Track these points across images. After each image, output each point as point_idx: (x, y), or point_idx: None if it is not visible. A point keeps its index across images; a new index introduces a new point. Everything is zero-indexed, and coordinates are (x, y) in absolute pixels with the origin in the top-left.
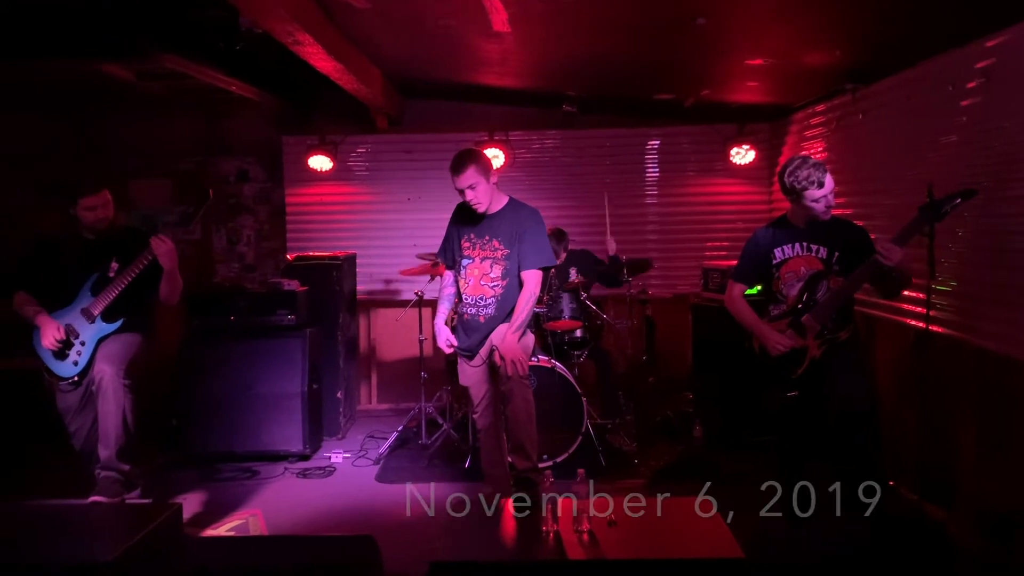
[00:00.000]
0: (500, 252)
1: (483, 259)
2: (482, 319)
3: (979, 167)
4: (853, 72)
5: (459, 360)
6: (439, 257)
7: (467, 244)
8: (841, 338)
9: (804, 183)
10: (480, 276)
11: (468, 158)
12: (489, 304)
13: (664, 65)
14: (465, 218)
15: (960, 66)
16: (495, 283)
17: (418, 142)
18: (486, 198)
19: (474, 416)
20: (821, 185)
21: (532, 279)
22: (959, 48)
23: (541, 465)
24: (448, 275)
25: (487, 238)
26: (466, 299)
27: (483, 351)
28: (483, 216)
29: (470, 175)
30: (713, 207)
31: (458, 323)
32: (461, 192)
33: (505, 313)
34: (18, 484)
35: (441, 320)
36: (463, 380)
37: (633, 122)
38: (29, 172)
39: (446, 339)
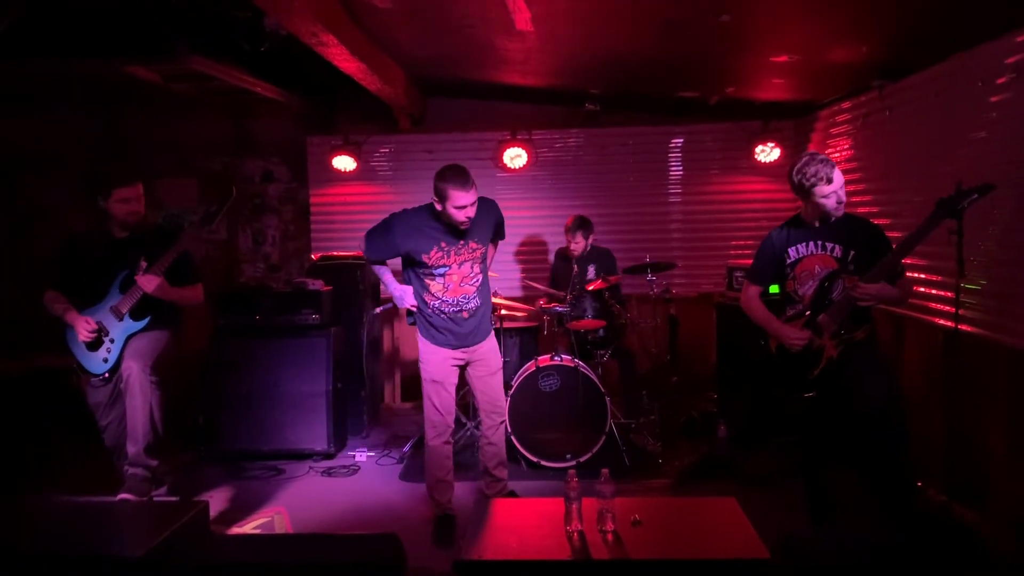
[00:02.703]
0: (478, 251)
1: (462, 263)
2: (465, 315)
3: (1009, 164)
4: (880, 68)
5: (435, 354)
6: (369, 255)
7: (439, 254)
8: (858, 337)
9: (812, 180)
10: (461, 279)
11: (470, 175)
12: (473, 298)
13: (688, 63)
14: (427, 229)
15: (989, 61)
16: (475, 279)
17: (440, 142)
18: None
19: (443, 417)
20: (830, 181)
21: (493, 248)
22: (988, 43)
23: (565, 464)
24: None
25: (462, 243)
26: (447, 301)
27: (467, 352)
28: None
29: (475, 192)
30: (738, 205)
31: (437, 324)
32: (460, 208)
33: (485, 298)
34: (50, 479)
35: (396, 283)
36: (440, 372)
37: (657, 120)
38: (62, 170)
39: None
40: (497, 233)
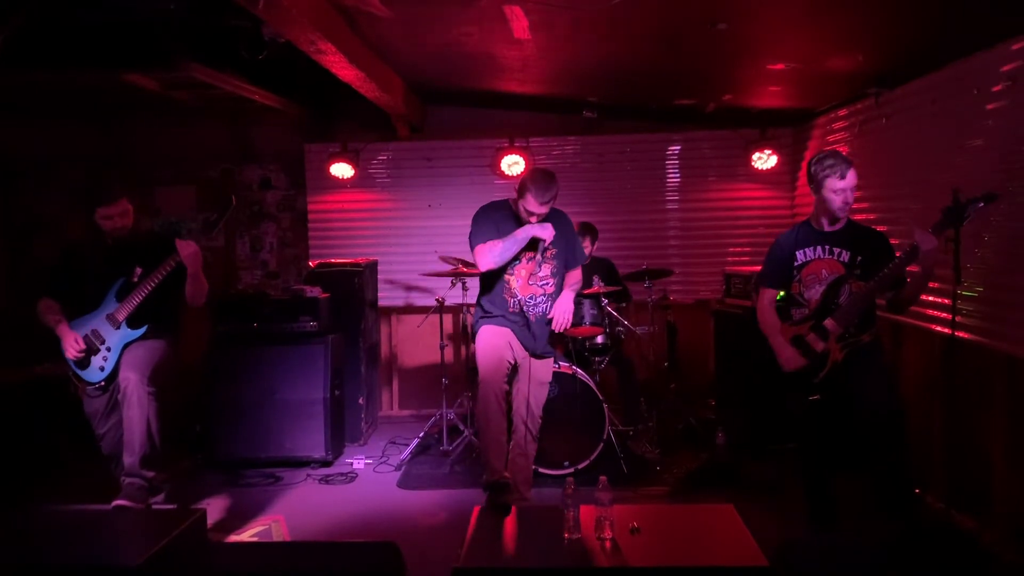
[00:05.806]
0: (549, 252)
1: (530, 259)
2: (532, 318)
3: (1005, 171)
4: (876, 76)
5: (495, 328)
6: (479, 239)
7: None
8: (863, 340)
9: (827, 171)
10: (528, 275)
11: (553, 189)
12: (540, 303)
13: (685, 71)
14: (504, 219)
15: (985, 69)
16: (545, 281)
17: (438, 149)
18: None
19: (498, 378)
20: (843, 177)
21: (578, 271)
22: (984, 51)
23: (563, 472)
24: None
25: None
26: (520, 299)
27: (524, 353)
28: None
29: (547, 208)
30: (735, 212)
31: (504, 318)
32: (529, 214)
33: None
34: (49, 487)
35: (520, 229)
36: (498, 337)
37: (654, 127)
38: (61, 178)
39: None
40: (570, 248)
